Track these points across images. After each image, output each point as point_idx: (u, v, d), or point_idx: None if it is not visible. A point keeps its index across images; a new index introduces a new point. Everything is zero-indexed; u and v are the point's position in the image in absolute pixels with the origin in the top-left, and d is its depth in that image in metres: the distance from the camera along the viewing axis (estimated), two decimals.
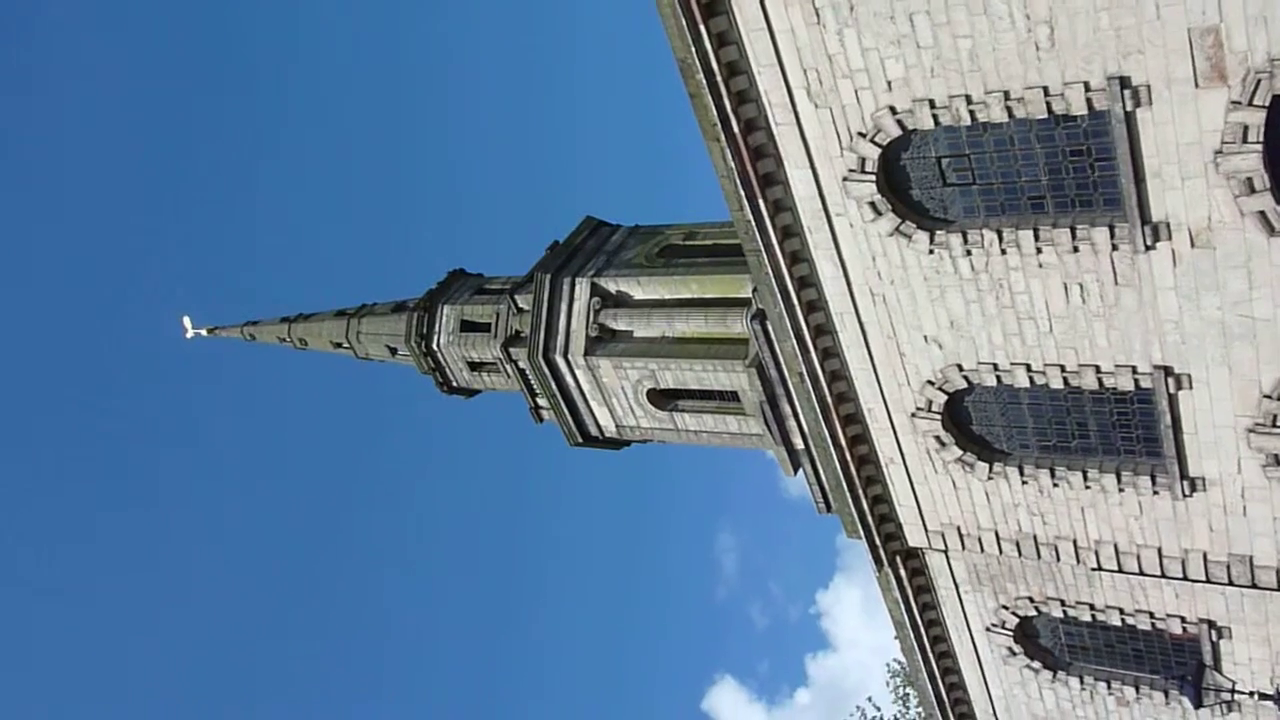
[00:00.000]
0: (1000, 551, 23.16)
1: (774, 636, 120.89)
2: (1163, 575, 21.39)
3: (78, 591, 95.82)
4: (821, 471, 24.55)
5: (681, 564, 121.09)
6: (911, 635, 26.09)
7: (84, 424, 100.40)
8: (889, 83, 18.02)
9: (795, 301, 21.32)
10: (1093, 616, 23.56)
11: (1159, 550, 21.10)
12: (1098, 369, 19.45)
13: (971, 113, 17.66)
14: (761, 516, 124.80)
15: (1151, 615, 22.61)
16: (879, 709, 44.28)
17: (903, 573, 24.97)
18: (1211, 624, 21.83)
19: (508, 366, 30.20)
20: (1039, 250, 18.53)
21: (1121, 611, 23.00)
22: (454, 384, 32.76)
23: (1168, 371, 18.71)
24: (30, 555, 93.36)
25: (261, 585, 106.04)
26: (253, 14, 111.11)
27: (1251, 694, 21.61)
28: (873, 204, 19.47)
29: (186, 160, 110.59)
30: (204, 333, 37.44)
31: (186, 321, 37.57)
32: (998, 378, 20.61)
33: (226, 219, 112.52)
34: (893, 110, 18.28)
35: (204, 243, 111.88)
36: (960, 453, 22.04)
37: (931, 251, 19.50)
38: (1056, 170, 18.13)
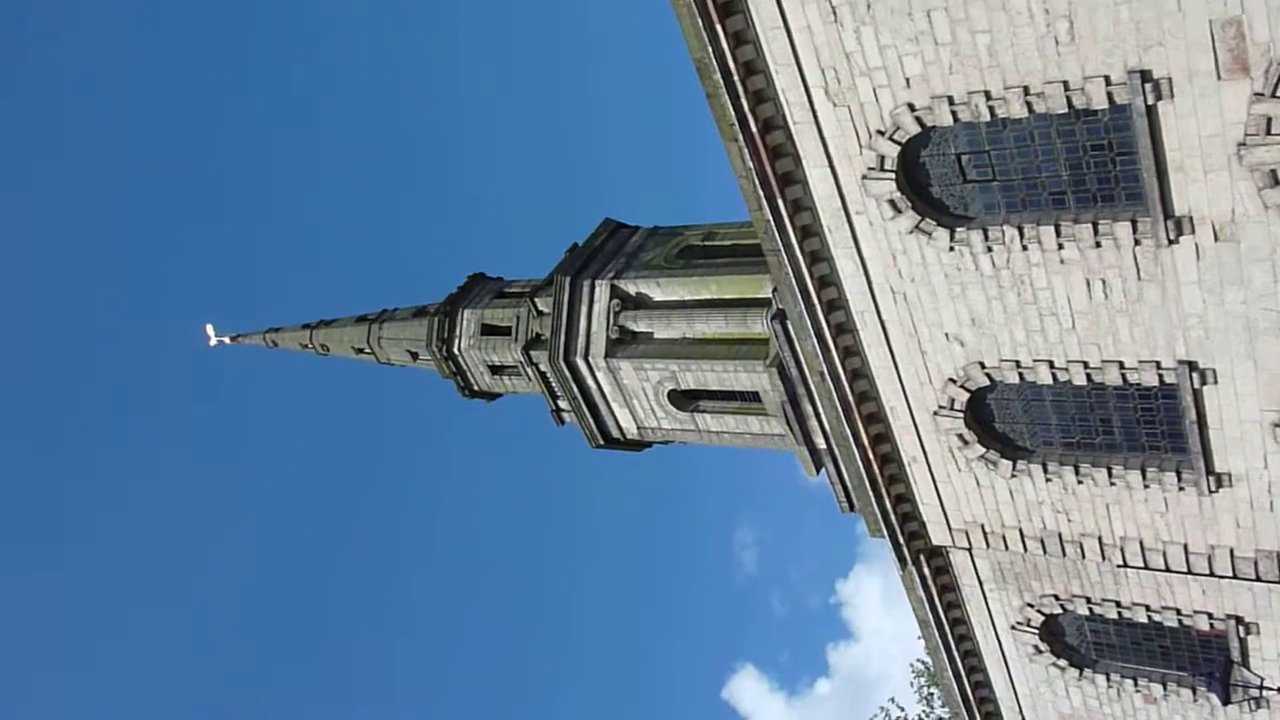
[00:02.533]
0: (1025, 549, 23.06)
1: (795, 626, 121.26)
2: (1189, 572, 21.25)
3: (96, 596, 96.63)
4: (844, 471, 24.49)
5: (703, 555, 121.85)
6: (936, 634, 26.00)
7: (108, 433, 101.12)
8: (907, 80, 17.97)
9: (815, 301, 21.28)
10: (1119, 614, 23.44)
11: (1185, 546, 20.97)
12: (1121, 365, 19.34)
13: (991, 109, 17.60)
14: (781, 506, 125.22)
15: (1178, 612, 22.47)
16: (903, 709, 44.18)
17: (927, 571, 24.89)
18: (1239, 620, 21.69)
19: (529, 369, 30.25)
20: (1060, 246, 18.44)
21: (1148, 608, 22.87)
22: (475, 388, 32.83)
23: (1192, 366, 18.59)
24: (53, 560, 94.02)
25: (287, 589, 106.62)
26: (271, 20, 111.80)
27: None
28: (892, 202, 19.42)
29: (206, 168, 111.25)
30: (227, 340, 37.62)
31: (209, 329, 37.80)
32: (1020, 375, 20.52)
33: (247, 227, 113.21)
34: (911, 107, 18.23)
35: (226, 251, 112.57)
36: (983, 450, 21.96)
37: (952, 249, 19.44)
38: (1077, 165, 18.04)
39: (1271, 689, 21.61)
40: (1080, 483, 21.24)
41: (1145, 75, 16.05)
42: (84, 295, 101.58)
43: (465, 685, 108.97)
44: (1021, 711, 26.96)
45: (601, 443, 30.58)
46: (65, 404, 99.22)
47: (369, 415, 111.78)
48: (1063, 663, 25.20)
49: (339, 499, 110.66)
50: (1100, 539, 21.90)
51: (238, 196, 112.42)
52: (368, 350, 34.31)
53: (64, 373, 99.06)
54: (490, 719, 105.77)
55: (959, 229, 19.27)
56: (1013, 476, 21.97)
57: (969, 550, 24.20)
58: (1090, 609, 23.77)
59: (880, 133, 18.73)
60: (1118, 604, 23.24)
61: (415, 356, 33.10)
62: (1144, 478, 20.47)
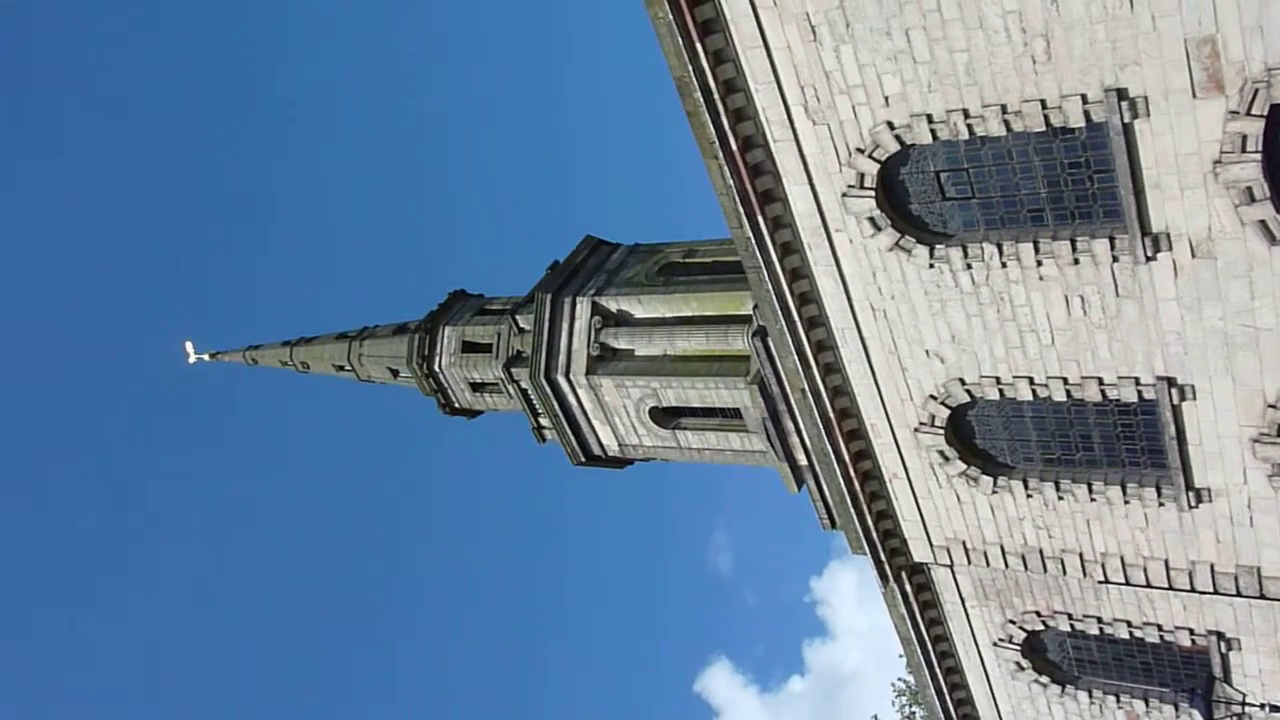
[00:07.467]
0: (1006, 566, 23.05)
1: (769, 624, 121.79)
2: (1170, 587, 21.28)
3: (73, 613, 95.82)
4: (825, 488, 24.47)
5: (680, 555, 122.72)
6: (918, 651, 25.95)
7: (87, 450, 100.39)
8: (886, 98, 18.03)
9: (796, 318, 21.29)
10: (1100, 630, 23.45)
11: (1166, 562, 21.00)
12: (1100, 381, 19.39)
13: (969, 126, 17.66)
14: (757, 507, 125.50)
15: (1160, 628, 22.50)
16: None
17: (909, 588, 24.85)
18: (1220, 636, 21.72)
19: (510, 387, 30.16)
20: (1039, 263, 18.50)
21: (1129, 624, 22.89)
22: (456, 405, 32.73)
23: (1171, 382, 18.65)
24: (31, 576, 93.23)
25: (268, 607, 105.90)
26: (250, 34, 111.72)
27: (1262, 706, 21.47)
28: (872, 219, 19.46)
29: (187, 186, 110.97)
30: (206, 358, 37.45)
31: (189, 347, 37.63)
32: (1000, 391, 20.55)
33: (227, 244, 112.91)
34: (890, 125, 18.28)
35: (206, 268, 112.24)
36: (964, 467, 21.97)
37: (932, 266, 19.48)
38: (1055, 183, 18.11)
39: (1254, 705, 21.62)
40: (1061, 499, 21.26)
41: (1122, 93, 16.14)
42: (64, 313, 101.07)
43: (447, 678, 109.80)
44: None
45: (583, 460, 30.49)
46: (42, 420, 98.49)
47: (350, 433, 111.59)
48: (1045, 679, 25.18)
49: (323, 515, 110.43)
50: (1081, 555, 21.92)
51: (218, 214, 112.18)
52: (348, 367, 34.18)
53: (40, 389, 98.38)
54: (470, 712, 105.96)
55: (938, 246, 19.31)
56: (994, 493, 21.98)
57: (950, 567, 24.19)
58: (1072, 625, 23.77)
59: (860, 150, 18.78)
60: (1099, 620, 23.25)
61: (396, 374, 32.98)
62: (1124, 493, 20.50)
